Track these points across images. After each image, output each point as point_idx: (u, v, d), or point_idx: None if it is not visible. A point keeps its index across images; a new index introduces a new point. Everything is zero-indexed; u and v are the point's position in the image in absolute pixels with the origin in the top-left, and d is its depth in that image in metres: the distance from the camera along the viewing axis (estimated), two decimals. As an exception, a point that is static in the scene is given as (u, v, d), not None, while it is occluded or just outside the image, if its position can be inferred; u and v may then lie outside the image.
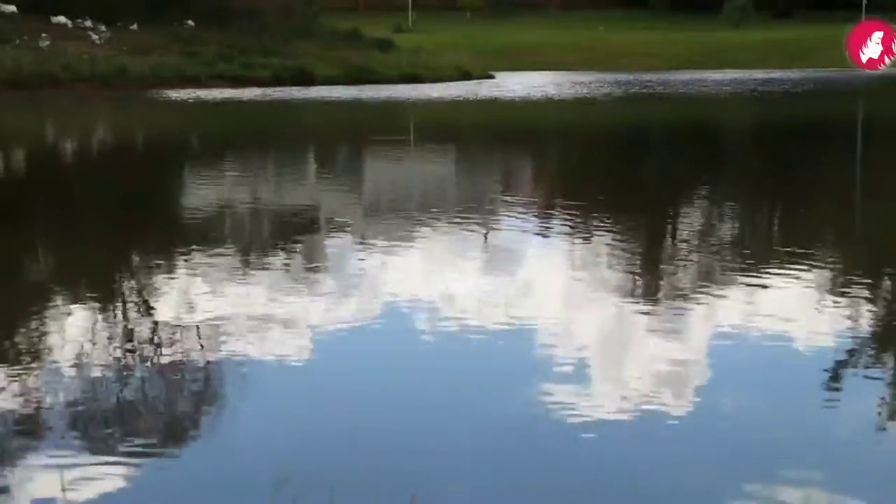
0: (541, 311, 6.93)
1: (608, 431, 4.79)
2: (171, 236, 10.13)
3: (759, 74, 47.68)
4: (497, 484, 4.27)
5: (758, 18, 72.36)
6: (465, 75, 45.45)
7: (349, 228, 10.50)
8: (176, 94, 33.86)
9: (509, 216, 11.00)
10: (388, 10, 74.65)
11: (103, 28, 43.33)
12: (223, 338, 6.26)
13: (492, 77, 46.64)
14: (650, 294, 7.50)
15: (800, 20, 72.84)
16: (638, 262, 8.77)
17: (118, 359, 5.93)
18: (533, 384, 5.37)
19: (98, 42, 41.79)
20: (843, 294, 7.30)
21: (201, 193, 12.91)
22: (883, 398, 5.25)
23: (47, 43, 39.47)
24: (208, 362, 5.82)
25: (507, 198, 12.77)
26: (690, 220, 10.92)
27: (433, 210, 11.31)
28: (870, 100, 33.02)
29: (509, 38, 64.11)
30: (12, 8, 42.30)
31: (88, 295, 7.54)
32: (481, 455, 4.54)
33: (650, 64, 56.31)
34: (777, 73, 48.79)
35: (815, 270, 8.08)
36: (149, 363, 5.86)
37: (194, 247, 9.24)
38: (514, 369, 5.68)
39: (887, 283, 7.91)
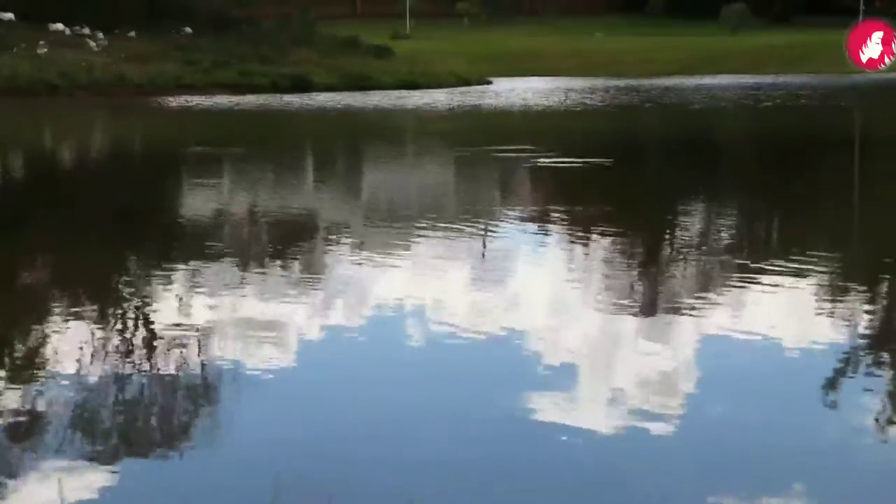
0: (537, 318, 6.91)
1: (605, 437, 4.77)
2: (166, 243, 10.09)
3: (767, 79, 47.68)
4: (495, 490, 4.24)
5: (755, 23, 72.43)
6: (463, 82, 45.49)
7: (345, 235, 10.47)
8: (174, 102, 33.87)
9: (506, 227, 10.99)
10: (386, 17, 74.74)
11: (101, 35, 43.35)
12: (221, 344, 6.23)
13: (489, 83, 46.69)
14: (648, 301, 7.49)
15: (797, 25, 72.94)
16: (633, 270, 8.75)
17: (115, 366, 5.89)
18: (530, 390, 5.34)
19: (96, 49, 41.80)
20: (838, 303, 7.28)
21: (197, 201, 12.87)
22: (876, 405, 5.21)
23: (45, 50, 39.48)
24: (207, 369, 5.79)
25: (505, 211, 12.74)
26: (681, 232, 10.88)
27: (428, 216, 11.28)
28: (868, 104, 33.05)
29: (507, 44, 64.20)
30: (10, 15, 42.32)
31: (86, 302, 7.50)
32: (479, 461, 4.51)
33: (648, 69, 56.34)
34: (781, 78, 48.80)
35: (812, 279, 8.06)
36: (147, 370, 5.82)
37: (191, 254, 9.21)
38: (512, 376, 5.64)
39: (881, 291, 7.89)
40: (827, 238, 10.08)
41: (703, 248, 9.47)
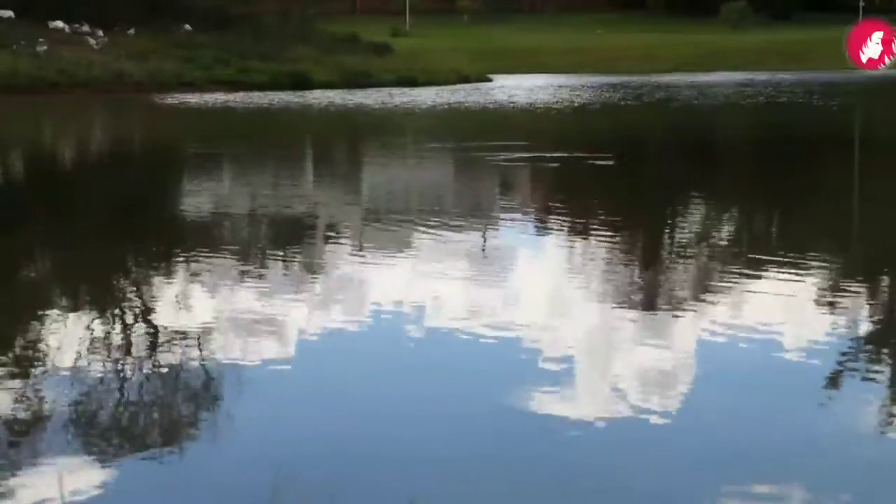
0: (537, 315, 6.93)
1: (604, 434, 4.80)
2: (165, 241, 10.09)
3: (762, 76, 47.69)
4: (496, 487, 4.25)
5: (756, 20, 72.42)
6: (463, 79, 45.49)
7: (345, 232, 10.48)
8: (177, 99, 33.88)
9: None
10: (386, 13, 74.75)
11: (101, 33, 43.37)
12: (221, 342, 6.24)
13: (489, 80, 46.69)
14: (646, 297, 7.51)
15: (798, 22, 72.97)
16: (626, 269, 8.77)
17: (115, 363, 5.90)
18: (530, 388, 5.35)
19: (96, 47, 41.80)
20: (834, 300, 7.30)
21: (195, 199, 12.88)
22: (872, 402, 5.23)
23: (45, 48, 39.46)
24: (207, 367, 5.79)
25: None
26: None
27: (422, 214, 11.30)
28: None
29: (507, 41, 64.21)
30: (9, 13, 42.29)
31: (85, 299, 7.52)
32: (480, 459, 4.52)
33: (649, 66, 56.37)
34: (778, 76, 48.81)
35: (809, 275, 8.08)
36: (147, 368, 5.83)
37: (190, 251, 9.22)
38: (512, 374, 5.65)
39: (880, 289, 7.91)
40: (804, 234, 10.11)
41: (680, 242, 9.53)
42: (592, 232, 10.08)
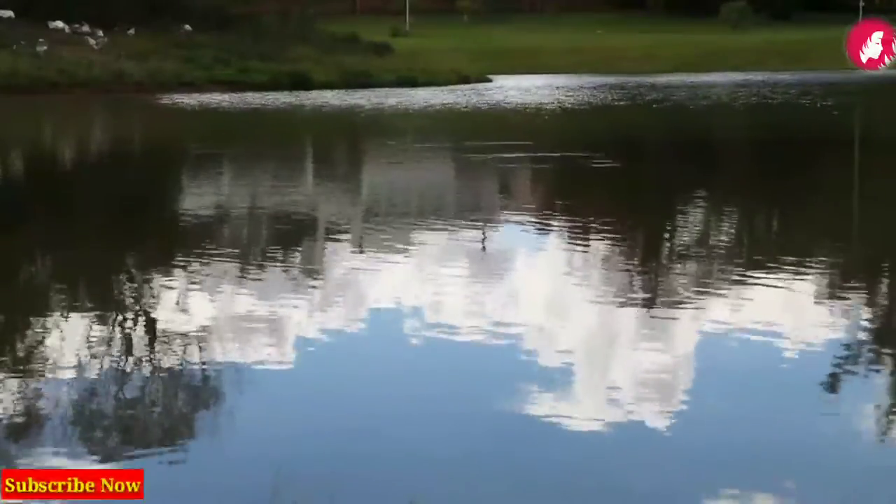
0: (537, 315, 6.94)
1: (602, 434, 4.80)
2: (164, 241, 10.09)
3: (759, 77, 47.69)
4: (496, 487, 4.26)
5: (755, 20, 72.38)
6: (463, 79, 45.44)
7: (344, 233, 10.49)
8: (173, 99, 33.86)
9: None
10: (386, 13, 74.73)
11: (101, 33, 43.32)
12: (221, 343, 6.24)
13: (489, 80, 46.66)
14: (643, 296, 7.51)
15: (798, 22, 72.95)
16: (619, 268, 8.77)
17: (115, 363, 5.90)
18: (531, 389, 5.36)
19: (96, 47, 41.76)
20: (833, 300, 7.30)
21: (194, 199, 12.88)
22: (870, 403, 5.24)
23: (45, 48, 39.42)
24: (207, 367, 5.80)
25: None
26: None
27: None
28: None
29: (507, 41, 64.14)
30: (10, 13, 42.26)
31: (85, 300, 7.52)
32: (480, 459, 4.53)
33: (649, 66, 56.33)
34: (777, 76, 48.81)
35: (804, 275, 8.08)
36: (147, 368, 5.83)
37: (190, 252, 9.22)
38: (512, 374, 5.65)
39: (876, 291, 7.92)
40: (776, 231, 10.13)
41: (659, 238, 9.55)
42: (590, 232, 10.08)
